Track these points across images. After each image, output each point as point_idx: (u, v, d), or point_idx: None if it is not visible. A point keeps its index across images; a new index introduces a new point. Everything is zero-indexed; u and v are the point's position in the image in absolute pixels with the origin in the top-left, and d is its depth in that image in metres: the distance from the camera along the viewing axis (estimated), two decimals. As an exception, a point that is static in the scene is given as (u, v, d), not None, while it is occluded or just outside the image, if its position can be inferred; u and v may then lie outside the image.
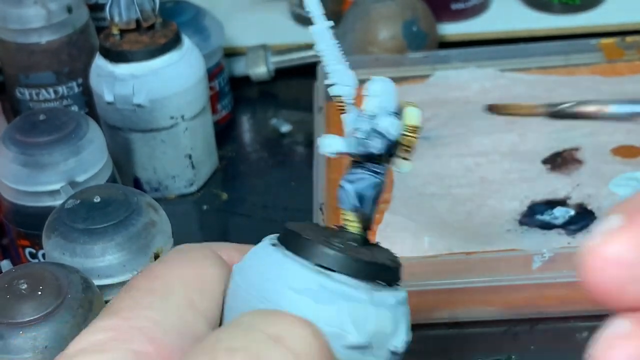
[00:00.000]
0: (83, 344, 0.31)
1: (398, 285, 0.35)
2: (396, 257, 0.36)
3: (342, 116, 0.35)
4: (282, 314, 0.30)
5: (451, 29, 0.86)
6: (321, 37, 0.34)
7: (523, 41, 0.82)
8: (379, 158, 0.35)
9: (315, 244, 0.33)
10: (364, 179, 0.35)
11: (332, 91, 0.35)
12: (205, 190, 0.74)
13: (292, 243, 0.34)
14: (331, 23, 0.34)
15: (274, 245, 0.35)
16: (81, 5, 0.73)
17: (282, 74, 0.84)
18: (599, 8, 0.87)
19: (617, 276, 0.23)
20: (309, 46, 0.84)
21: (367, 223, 0.36)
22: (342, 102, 0.35)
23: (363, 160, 0.35)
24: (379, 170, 0.35)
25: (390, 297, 0.34)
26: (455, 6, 0.87)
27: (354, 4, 0.82)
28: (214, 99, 0.77)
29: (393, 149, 0.35)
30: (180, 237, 0.58)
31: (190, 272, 0.34)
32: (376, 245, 0.37)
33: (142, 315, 0.32)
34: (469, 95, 0.74)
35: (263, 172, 0.76)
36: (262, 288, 0.33)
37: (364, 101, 0.34)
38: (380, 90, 0.34)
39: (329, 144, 0.34)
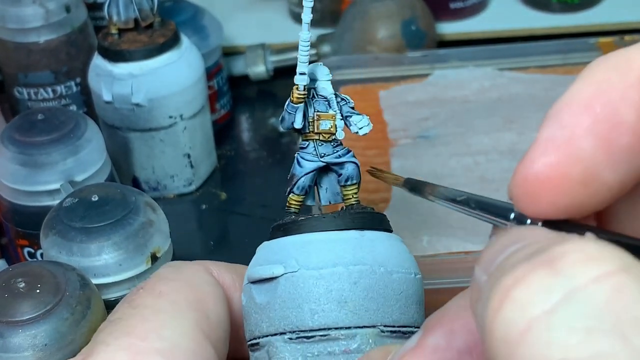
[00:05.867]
0: None
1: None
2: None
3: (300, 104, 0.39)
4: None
5: (450, 28, 0.86)
6: (306, 33, 0.37)
7: (522, 40, 0.82)
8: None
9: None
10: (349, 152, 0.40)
11: (300, 80, 0.38)
12: (204, 189, 0.74)
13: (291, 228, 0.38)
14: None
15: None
16: (79, 4, 0.73)
17: (281, 73, 0.84)
18: (597, 7, 0.87)
19: None
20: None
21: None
22: (303, 92, 0.38)
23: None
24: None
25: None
26: (454, 5, 0.87)
27: (353, 3, 0.82)
28: (213, 98, 0.77)
29: None
30: (179, 237, 0.58)
31: (192, 294, 0.34)
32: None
33: (158, 336, 0.32)
34: (468, 94, 0.74)
35: (262, 171, 0.76)
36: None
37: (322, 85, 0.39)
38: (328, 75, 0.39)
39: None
